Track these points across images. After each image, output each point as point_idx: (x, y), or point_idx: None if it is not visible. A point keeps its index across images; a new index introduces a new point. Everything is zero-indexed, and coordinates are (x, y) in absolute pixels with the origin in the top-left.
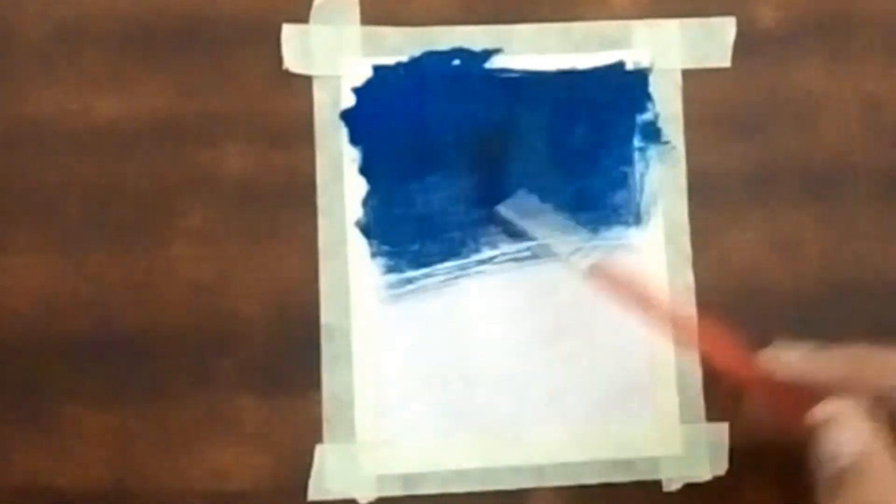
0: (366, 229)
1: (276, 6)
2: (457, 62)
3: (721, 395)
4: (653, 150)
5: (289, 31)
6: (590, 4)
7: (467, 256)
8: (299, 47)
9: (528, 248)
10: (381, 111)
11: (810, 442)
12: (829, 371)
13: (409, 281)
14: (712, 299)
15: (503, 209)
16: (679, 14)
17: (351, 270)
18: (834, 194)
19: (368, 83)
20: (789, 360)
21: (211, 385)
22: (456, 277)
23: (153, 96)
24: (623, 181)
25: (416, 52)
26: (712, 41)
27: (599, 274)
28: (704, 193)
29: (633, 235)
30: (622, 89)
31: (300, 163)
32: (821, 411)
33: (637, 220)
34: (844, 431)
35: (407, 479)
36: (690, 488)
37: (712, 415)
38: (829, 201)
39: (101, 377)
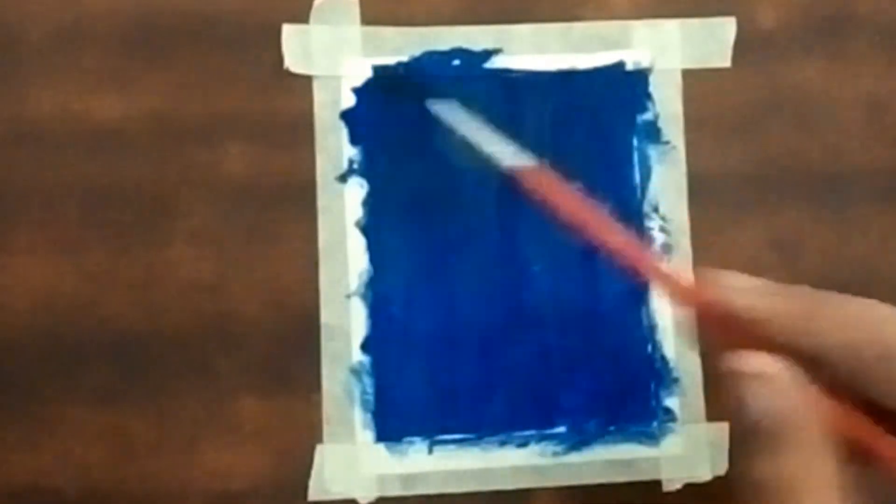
0: (366, 229)
1: (276, 6)
2: (457, 62)
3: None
4: (653, 151)
5: (289, 31)
6: (590, 5)
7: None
8: (299, 47)
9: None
10: (382, 111)
11: (731, 386)
12: (779, 309)
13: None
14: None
15: (436, 108)
16: (679, 14)
17: (350, 270)
18: (834, 195)
19: (368, 83)
20: (738, 286)
21: (211, 385)
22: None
23: (153, 96)
24: (623, 182)
25: (416, 53)
26: (712, 41)
27: (537, 177)
28: (705, 194)
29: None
30: (622, 90)
31: (300, 163)
32: (753, 361)
33: (638, 221)
34: (774, 391)
35: (407, 478)
36: (691, 488)
37: (713, 414)
38: (829, 202)
39: (101, 377)
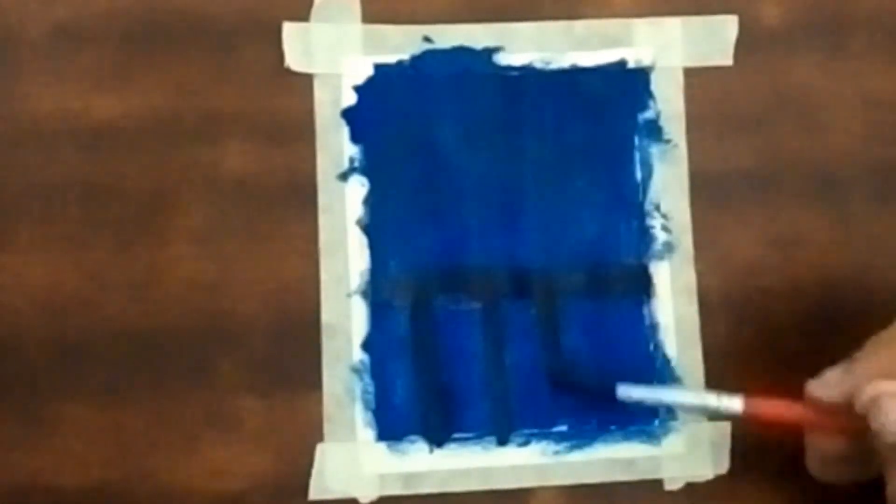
0: (366, 228)
1: (277, 4)
2: (458, 60)
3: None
4: (654, 149)
5: (290, 30)
6: (592, 2)
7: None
8: (300, 45)
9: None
10: (383, 109)
11: (873, 414)
12: (867, 378)
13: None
14: (713, 298)
15: (624, 393)
16: (681, 12)
17: (351, 269)
18: (835, 192)
19: (369, 81)
20: (831, 380)
21: (211, 384)
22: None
23: (153, 95)
24: (625, 180)
25: (418, 51)
26: (714, 39)
27: (753, 409)
28: (706, 192)
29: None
30: (624, 87)
31: (301, 161)
32: (869, 391)
33: (640, 219)
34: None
35: (408, 478)
36: (692, 487)
37: (714, 414)
38: (830, 199)
39: (101, 376)
